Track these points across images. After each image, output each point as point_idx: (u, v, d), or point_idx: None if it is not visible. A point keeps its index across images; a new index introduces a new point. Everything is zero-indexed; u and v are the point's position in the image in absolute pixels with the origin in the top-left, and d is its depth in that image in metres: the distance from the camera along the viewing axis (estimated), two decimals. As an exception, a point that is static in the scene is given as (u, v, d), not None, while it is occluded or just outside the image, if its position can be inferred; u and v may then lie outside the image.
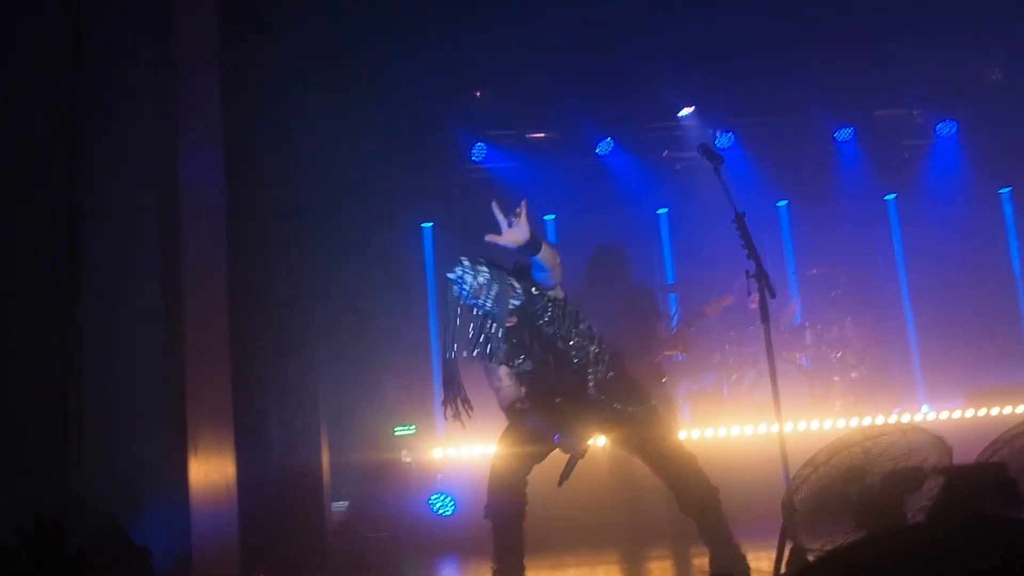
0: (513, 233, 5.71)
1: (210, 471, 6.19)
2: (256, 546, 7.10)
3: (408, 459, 10.50)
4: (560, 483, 6.28)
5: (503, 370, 6.32)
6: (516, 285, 6.04)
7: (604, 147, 13.43)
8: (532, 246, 5.80)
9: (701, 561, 7.73)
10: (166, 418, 5.78)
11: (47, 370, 5.34)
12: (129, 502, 5.45)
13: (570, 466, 6.28)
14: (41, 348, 5.42)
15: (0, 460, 5.30)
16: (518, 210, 5.69)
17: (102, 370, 5.57)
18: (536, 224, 6.26)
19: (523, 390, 6.34)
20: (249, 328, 7.82)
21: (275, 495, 8.05)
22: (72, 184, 5.51)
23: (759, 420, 10.40)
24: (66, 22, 5.69)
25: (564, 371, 6.28)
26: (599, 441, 9.41)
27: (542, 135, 13.29)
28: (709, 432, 10.53)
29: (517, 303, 6.07)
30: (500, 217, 5.72)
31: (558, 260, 6.00)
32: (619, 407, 6.34)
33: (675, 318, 11.37)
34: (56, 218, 5.53)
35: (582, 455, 6.24)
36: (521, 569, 6.42)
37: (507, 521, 6.35)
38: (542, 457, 6.40)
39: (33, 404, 5.37)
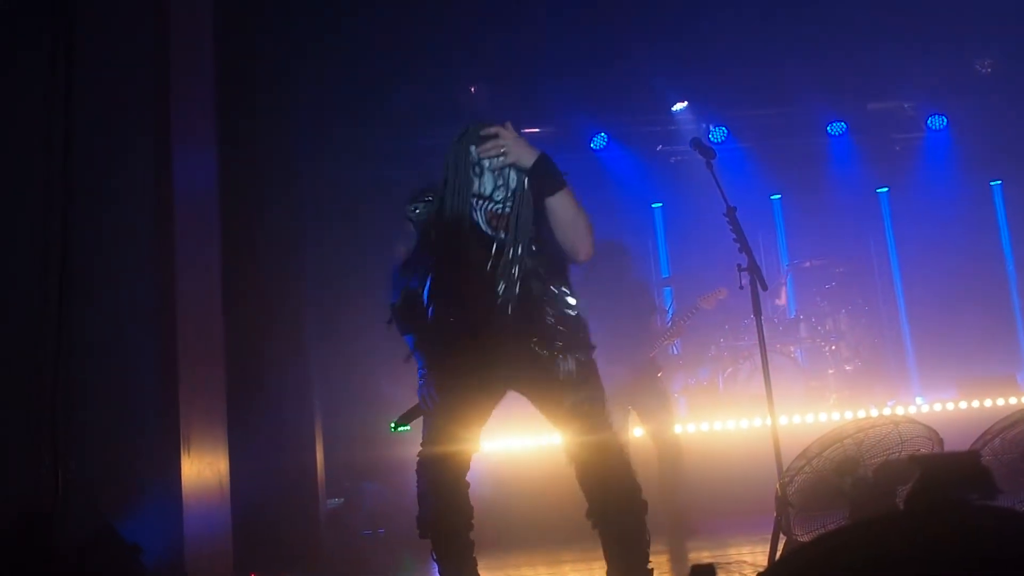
0: (506, 135, 4.88)
1: (203, 469, 6.19)
2: (250, 544, 7.09)
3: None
4: (393, 427, 5.60)
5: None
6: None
7: (599, 142, 13.48)
8: (547, 177, 4.91)
9: (698, 555, 7.77)
10: (158, 416, 5.77)
11: (36, 367, 5.33)
12: (120, 501, 5.45)
13: (413, 413, 5.51)
14: (31, 345, 5.41)
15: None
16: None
17: (93, 367, 5.57)
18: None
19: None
20: (244, 324, 7.83)
21: (269, 493, 8.04)
22: (66, 180, 5.51)
23: (754, 414, 10.42)
24: (58, 24, 5.69)
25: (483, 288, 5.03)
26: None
27: (537, 130, 13.24)
28: (705, 426, 10.55)
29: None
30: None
31: (584, 224, 5.05)
32: (544, 352, 5.05)
33: (670, 312, 11.40)
34: (48, 216, 5.53)
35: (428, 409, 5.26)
36: None
37: (446, 543, 5.26)
38: (474, 441, 5.20)
39: (22, 401, 5.37)
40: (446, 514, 5.20)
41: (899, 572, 1.80)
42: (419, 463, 5.25)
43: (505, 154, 4.88)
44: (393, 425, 10.89)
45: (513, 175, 4.96)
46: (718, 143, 13.07)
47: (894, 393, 12.67)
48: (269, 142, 8.87)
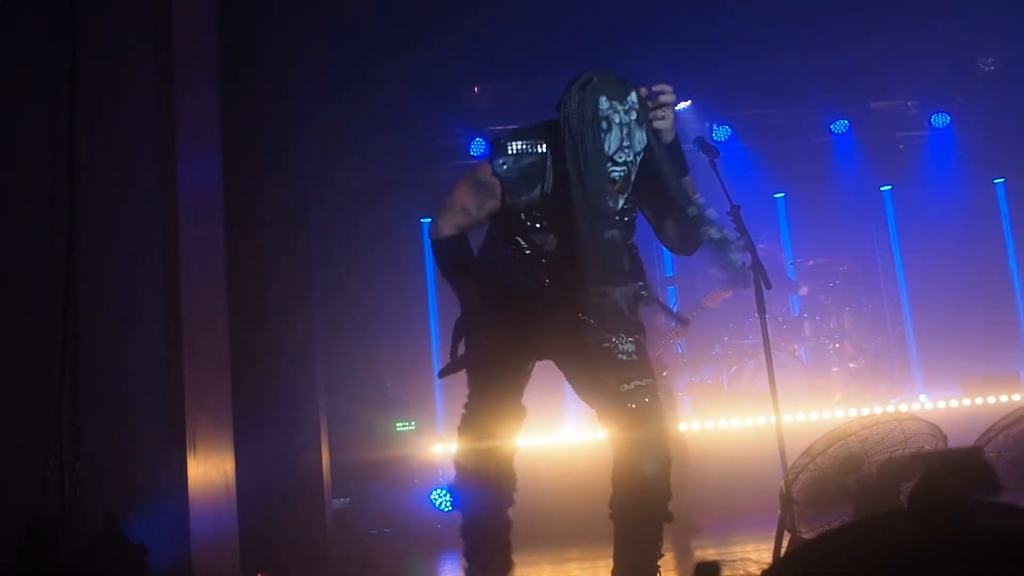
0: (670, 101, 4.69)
1: (209, 470, 6.19)
2: (256, 545, 7.10)
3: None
4: (441, 374, 5.20)
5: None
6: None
7: (602, 141, 13.42)
8: (680, 157, 4.84)
9: (703, 553, 7.77)
10: (164, 417, 5.77)
11: (43, 369, 5.34)
12: (127, 502, 5.45)
13: (457, 364, 5.10)
14: (37, 347, 5.42)
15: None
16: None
17: (99, 368, 5.57)
18: None
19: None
20: (249, 325, 7.83)
21: (275, 493, 8.05)
22: (70, 182, 5.52)
23: (759, 412, 10.42)
24: (62, 28, 5.69)
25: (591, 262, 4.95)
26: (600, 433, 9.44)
27: (540, 130, 13.23)
28: (709, 424, 10.56)
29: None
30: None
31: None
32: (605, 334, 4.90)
33: (674, 310, 11.41)
34: (53, 219, 5.53)
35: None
36: None
37: (485, 546, 5.12)
38: (519, 422, 5.29)
39: (28, 403, 5.38)
40: (488, 519, 5.14)
41: (903, 569, 1.80)
42: (459, 471, 5.20)
43: (665, 118, 4.71)
44: (397, 425, 10.91)
45: (639, 135, 4.73)
46: (721, 142, 13.07)
47: (898, 391, 12.66)
48: (273, 141, 8.86)
